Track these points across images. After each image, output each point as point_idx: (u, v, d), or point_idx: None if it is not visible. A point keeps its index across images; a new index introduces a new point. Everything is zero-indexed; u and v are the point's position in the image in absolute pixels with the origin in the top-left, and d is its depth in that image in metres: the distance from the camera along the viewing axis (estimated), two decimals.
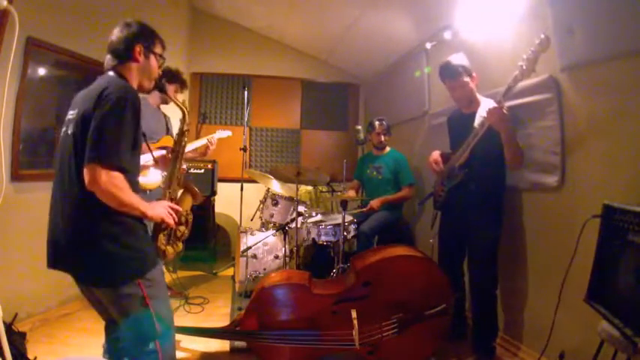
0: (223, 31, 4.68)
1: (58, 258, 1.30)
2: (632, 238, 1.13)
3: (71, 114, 1.32)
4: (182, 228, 1.49)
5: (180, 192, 1.53)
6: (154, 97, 2.71)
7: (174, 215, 1.39)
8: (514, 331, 2.24)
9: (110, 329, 1.43)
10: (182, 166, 1.53)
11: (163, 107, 2.76)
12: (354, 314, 1.91)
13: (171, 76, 2.45)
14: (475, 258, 2.16)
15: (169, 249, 1.45)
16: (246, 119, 3.69)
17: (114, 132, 1.19)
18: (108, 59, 1.37)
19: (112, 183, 1.17)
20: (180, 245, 1.51)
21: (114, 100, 1.20)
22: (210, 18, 4.64)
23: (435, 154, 2.31)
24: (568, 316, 1.66)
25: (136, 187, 1.32)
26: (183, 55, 4.41)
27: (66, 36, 2.62)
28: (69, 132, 1.29)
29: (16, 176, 2.39)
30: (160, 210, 1.35)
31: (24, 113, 2.41)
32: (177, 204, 1.45)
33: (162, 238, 1.42)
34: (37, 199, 2.51)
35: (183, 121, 1.54)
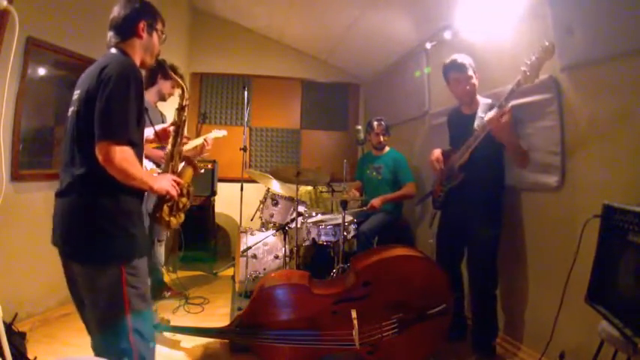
0: (223, 31, 4.68)
1: (55, 232, 1.32)
2: (632, 238, 1.13)
3: (75, 94, 1.34)
4: (184, 199, 1.51)
5: (181, 165, 1.56)
6: (151, 95, 2.72)
7: (177, 187, 1.42)
8: (514, 331, 2.24)
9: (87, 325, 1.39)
10: (183, 140, 1.56)
11: (160, 105, 2.76)
12: (354, 314, 1.91)
13: (167, 71, 2.45)
14: (475, 258, 2.16)
15: (173, 220, 1.48)
16: (246, 119, 3.69)
17: (120, 108, 1.22)
18: (110, 36, 1.38)
19: (124, 158, 1.19)
20: (182, 216, 1.53)
21: (116, 77, 1.22)
22: (210, 18, 4.64)
23: (437, 152, 2.30)
24: (568, 316, 1.66)
25: (141, 160, 1.34)
26: (183, 55, 4.41)
27: (66, 36, 2.62)
28: (74, 111, 1.31)
29: (16, 176, 2.39)
30: (164, 183, 1.38)
31: (24, 113, 2.41)
32: (178, 176, 1.49)
33: (165, 209, 1.45)
34: (37, 199, 2.52)
35: (182, 96, 1.56)
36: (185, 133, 1.61)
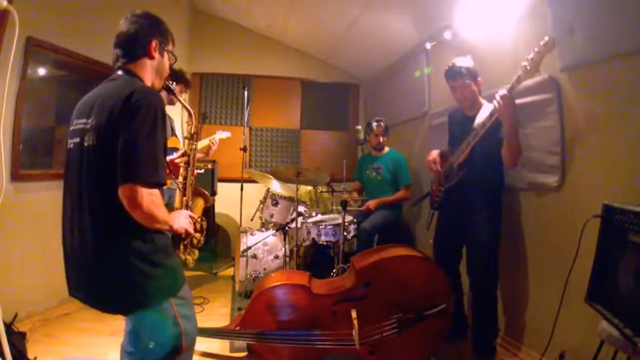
0: (223, 31, 4.68)
1: (80, 283, 1.19)
2: (632, 238, 1.13)
3: (81, 122, 1.18)
4: (197, 235, 1.43)
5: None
6: None
7: (192, 224, 1.33)
8: (514, 331, 2.24)
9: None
10: (194, 171, 1.46)
11: (167, 109, 2.76)
12: (354, 314, 1.91)
13: (175, 76, 2.45)
14: (475, 258, 2.16)
15: (189, 257, 1.41)
16: (246, 119, 3.70)
17: (150, 145, 1.09)
18: (118, 54, 1.24)
19: (153, 202, 1.08)
20: (197, 253, 1.46)
21: (144, 109, 1.08)
22: (210, 18, 4.65)
23: (434, 153, 2.30)
24: (568, 316, 1.66)
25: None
26: (184, 55, 4.41)
27: (66, 36, 2.62)
28: (85, 144, 1.14)
29: (16, 176, 2.39)
30: (183, 221, 1.27)
31: (24, 113, 2.41)
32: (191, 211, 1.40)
33: (181, 248, 1.38)
34: (37, 199, 2.52)
35: (190, 123, 1.45)
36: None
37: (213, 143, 2.71)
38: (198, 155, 2.74)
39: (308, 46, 4.75)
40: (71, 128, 1.23)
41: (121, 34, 1.23)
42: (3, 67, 2.07)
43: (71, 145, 1.21)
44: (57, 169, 2.72)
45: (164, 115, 1.16)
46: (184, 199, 1.40)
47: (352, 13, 3.53)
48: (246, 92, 3.74)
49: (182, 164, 1.45)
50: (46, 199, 2.54)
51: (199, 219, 1.43)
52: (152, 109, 1.10)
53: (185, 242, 1.39)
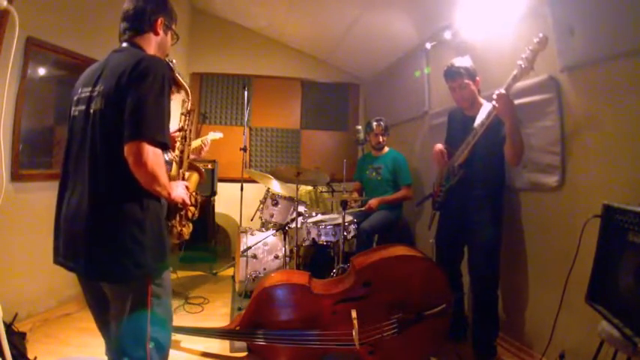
0: (223, 31, 4.68)
1: (69, 250, 1.21)
2: (632, 238, 1.13)
3: (87, 90, 1.22)
4: (192, 208, 1.46)
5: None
6: None
7: (189, 195, 1.36)
8: (514, 331, 2.24)
9: (105, 331, 1.35)
10: (190, 146, 1.51)
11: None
12: (354, 314, 1.91)
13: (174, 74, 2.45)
14: (476, 258, 2.16)
15: (184, 230, 1.43)
16: (246, 119, 3.70)
17: (157, 107, 1.13)
18: (125, 27, 1.29)
19: (157, 162, 1.11)
20: (191, 226, 1.48)
21: (154, 75, 1.13)
22: (210, 18, 4.65)
23: (440, 146, 2.28)
24: (568, 316, 1.66)
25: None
26: (184, 55, 4.42)
27: (66, 36, 2.62)
28: (91, 110, 1.18)
29: (16, 176, 2.39)
30: (180, 191, 1.30)
31: (24, 113, 2.41)
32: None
33: (177, 219, 1.40)
34: (37, 199, 2.52)
35: (187, 100, 1.51)
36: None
37: (205, 144, 2.73)
38: (191, 156, 2.76)
39: (308, 46, 4.75)
40: (75, 97, 1.26)
41: (129, 10, 1.28)
42: (3, 67, 2.07)
43: (75, 113, 1.24)
44: (57, 169, 2.72)
45: (170, 83, 1.21)
46: (181, 171, 1.43)
47: (352, 13, 3.53)
48: (246, 92, 3.74)
49: (179, 139, 1.49)
50: (46, 199, 2.52)
51: (194, 193, 1.46)
52: (160, 74, 1.15)
53: (181, 213, 1.41)
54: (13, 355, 1.38)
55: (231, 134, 4.55)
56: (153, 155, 1.10)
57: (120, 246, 1.14)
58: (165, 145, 1.15)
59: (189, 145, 1.49)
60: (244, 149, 3.57)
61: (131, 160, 1.08)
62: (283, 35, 4.66)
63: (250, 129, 4.74)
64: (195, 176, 1.54)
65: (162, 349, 1.27)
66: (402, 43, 3.59)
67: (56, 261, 1.25)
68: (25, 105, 2.42)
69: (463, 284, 2.33)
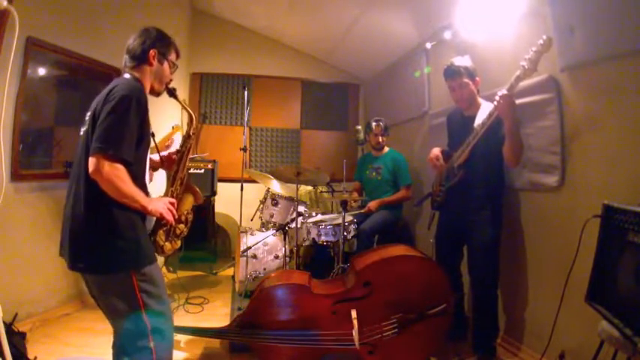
0: (223, 31, 4.68)
1: (63, 246, 1.36)
2: (632, 238, 1.13)
3: (88, 113, 1.39)
4: (181, 226, 1.53)
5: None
6: None
7: (173, 211, 1.42)
8: (514, 331, 2.24)
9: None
10: (185, 167, 1.57)
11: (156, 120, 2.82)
12: (354, 314, 1.91)
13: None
14: (476, 258, 2.15)
15: (167, 245, 1.48)
16: (246, 119, 3.69)
17: (117, 125, 1.25)
18: (124, 60, 1.47)
19: (113, 173, 1.22)
20: (179, 242, 1.54)
21: (119, 97, 1.27)
22: (210, 18, 4.64)
23: (436, 150, 2.29)
24: (568, 316, 1.66)
25: (141, 182, 1.37)
26: (183, 55, 4.39)
27: (66, 36, 2.62)
28: (83, 130, 1.38)
29: (16, 176, 2.39)
30: (159, 205, 1.38)
31: (24, 113, 2.41)
32: (178, 203, 1.49)
33: (161, 233, 1.46)
34: (37, 199, 2.52)
35: (190, 124, 1.58)
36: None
37: (172, 141, 2.80)
38: (161, 153, 2.84)
39: (308, 46, 4.75)
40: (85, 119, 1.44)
41: (129, 45, 1.46)
42: (3, 67, 2.07)
43: (81, 133, 1.42)
44: (57, 169, 2.72)
45: (143, 106, 1.33)
46: (171, 189, 1.51)
47: (352, 13, 3.53)
48: (246, 92, 3.74)
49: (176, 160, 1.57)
50: (46, 199, 2.55)
51: (185, 211, 1.54)
52: (126, 98, 1.28)
53: (165, 229, 1.47)
54: (13, 355, 1.38)
55: (231, 134, 4.57)
56: (109, 167, 1.22)
57: (93, 244, 1.28)
58: (123, 161, 1.25)
59: (185, 165, 1.56)
60: (244, 149, 3.57)
61: (90, 170, 1.23)
62: (283, 35, 4.65)
63: (250, 129, 4.74)
64: (190, 198, 1.58)
65: (167, 340, 1.37)
66: (402, 42, 3.59)
67: (60, 254, 1.39)
68: (25, 105, 2.41)
69: (463, 284, 2.33)
